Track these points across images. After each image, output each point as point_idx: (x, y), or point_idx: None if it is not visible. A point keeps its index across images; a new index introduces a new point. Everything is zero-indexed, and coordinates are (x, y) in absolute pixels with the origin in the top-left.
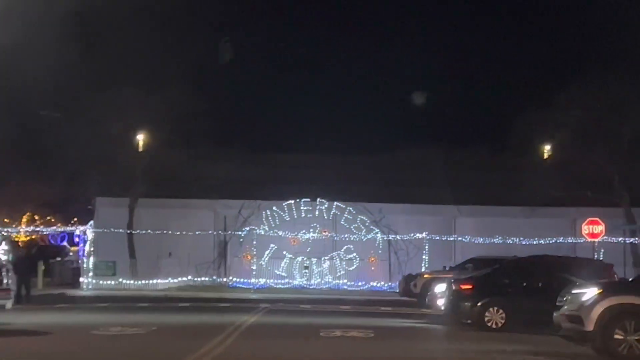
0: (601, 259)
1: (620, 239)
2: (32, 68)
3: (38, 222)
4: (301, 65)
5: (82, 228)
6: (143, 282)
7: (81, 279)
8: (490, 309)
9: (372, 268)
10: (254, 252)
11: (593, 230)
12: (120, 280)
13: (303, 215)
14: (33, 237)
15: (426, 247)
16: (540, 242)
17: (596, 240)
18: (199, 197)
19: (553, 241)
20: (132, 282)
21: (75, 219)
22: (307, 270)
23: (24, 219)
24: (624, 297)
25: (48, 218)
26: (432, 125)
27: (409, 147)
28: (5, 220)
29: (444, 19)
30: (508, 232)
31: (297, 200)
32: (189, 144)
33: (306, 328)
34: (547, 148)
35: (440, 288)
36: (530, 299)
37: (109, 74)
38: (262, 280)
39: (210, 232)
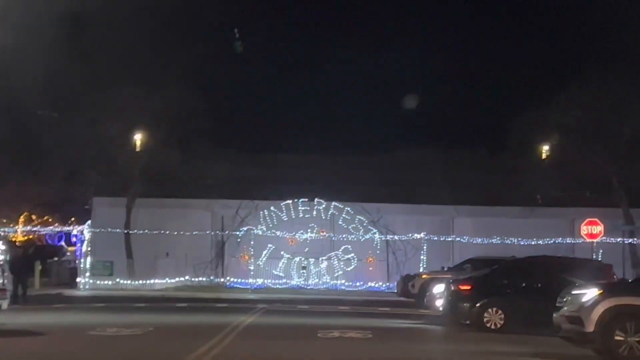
0: (599, 259)
1: (619, 240)
2: (30, 68)
3: (35, 221)
4: (299, 65)
5: (79, 228)
6: (140, 282)
7: (78, 279)
8: (489, 310)
9: (370, 268)
10: (252, 252)
11: (592, 230)
12: (118, 280)
13: (301, 215)
14: (30, 237)
15: (424, 247)
16: (538, 242)
17: (595, 240)
18: (197, 197)
19: (551, 241)
20: (129, 282)
21: (73, 219)
22: (304, 271)
23: (22, 219)
24: (624, 298)
25: (45, 218)
26: (431, 125)
27: (408, 147)
28: (3, 220)
29: (443, 19)
30: (506, 232)
31: (295, 200)
32: (186, 143)
33: (304, 329)
34: (545, 148)
35: (438, 288)
36: (530, 300)
37: (107, 73)
38: (259, 281)
39: (207, 232)
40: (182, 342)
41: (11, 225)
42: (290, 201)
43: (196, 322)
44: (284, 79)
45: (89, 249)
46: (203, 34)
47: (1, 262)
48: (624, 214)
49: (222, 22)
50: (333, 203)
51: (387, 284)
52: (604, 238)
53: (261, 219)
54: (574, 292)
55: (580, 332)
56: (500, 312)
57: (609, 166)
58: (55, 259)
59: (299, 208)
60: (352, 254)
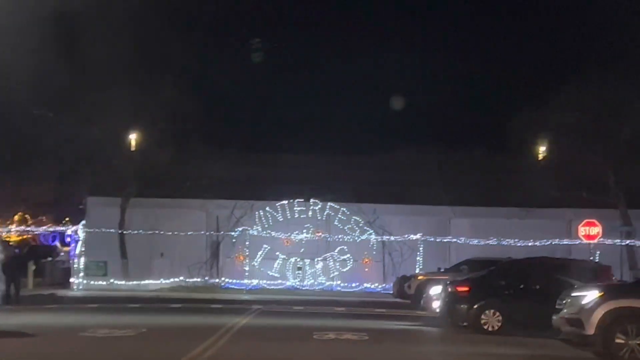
0: (597, 261)
1: (616, 241)
2: (24, 67)
3: (30, 221)
4: (296, 64)
5: (73, 228)
6: (134, 282)
7: (72, 280)
8: (487, 312)
9: (366, 269)
10: (247, 253)
11: (590, 231)
12: (112, 280)
13: (296, 215)
14: (25, 237)
15: (420, 248)
16: (535, 243)
17: (592, 242)
18: (192, 197)
19: (548, 243)
20: (123, 282)
21: (67, 219)
22: (300, 272)
23: (16, 218)
24: (625, 301)
25: (39, 218)
26: (427, 125)
27: (404, 147)
28: None
29: (441, 19)
30: (503, 233)
31: (291, 200)
32: (181, 143)
33: (299, 330)
34: (543, 149)
35: (435, 290)
36: (528, 302)
37: (102, 73)
38: (254, 281)
39: (202, 232)
40: (175, 343)
41: (6, 224)
42: (285, 201)
43: (190, 323)
44: (280, 79)
45: (83, 249)
46: (198, 33)
47: None
48: (621, 215)
49: (219, 22)
50: (329, 203)
51: (383, 285)
52: (601, 239)
53: (256, 220)
54: (574, 294)
55: (581, 335)
56: (498, 314)
57: (607, 167)
58: (49, 259)
59: (295, 208)
60: (348, 255)
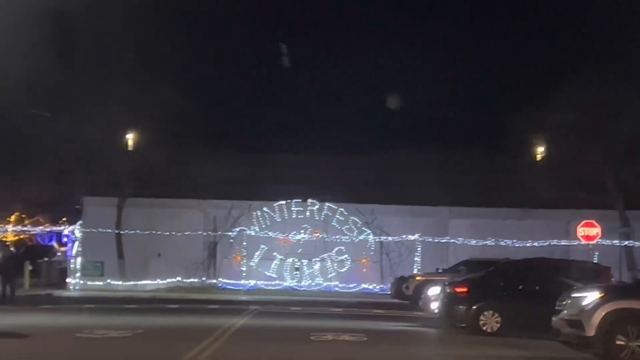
0: (596, 261)
1: (615, 242)
2: (21, 67)
3: (26, 221)
4: (294, 64)
5: (70, 228)
6: (131, 283)
7: (68, 280)
8: (486, 313)
9: (364, 270)
10: (244, 253)
11: (588, 232)
12: (108, 281)
13: (294, 216)
14: (21, 236)
15: (418, 248)
16: (533, 244)
17: (591, 242)
18: (189, 197)
19: (547, 243)
20: (120, 283)
21: (64, 219)
22: (297, 272)
23: (13, 218)
24: (626, 302)
25: (36, 218)
26: (426, 125)
27: (402, 147)
28: None
29: (441, 19)
30: (501, 234)
31: (288, 200)
32: (178, 143)
33: (297, 331)
34: (541, 149)
35: (434, 291)
36: (527, 303)
37: (99, 72)
38: (252, 282)
39: (199, 232)
40: (172, 344)
41: (4, 224)
42: (283, 202)
43: (187, 324)
44: (278, 79)
45: (80, 249)
46: (196, 33)
47: None
48: (619, 216)
49: (218, 21)
50: (327, 204)
51: (381, 285)
52: (599, 240)
53: (254, 220)
54: (574, 295)
55: (581, 336)
56: (496, 315)
57: (606, 167)
58: (46, 259)
59: (292, 209)
60: (346, 255)
